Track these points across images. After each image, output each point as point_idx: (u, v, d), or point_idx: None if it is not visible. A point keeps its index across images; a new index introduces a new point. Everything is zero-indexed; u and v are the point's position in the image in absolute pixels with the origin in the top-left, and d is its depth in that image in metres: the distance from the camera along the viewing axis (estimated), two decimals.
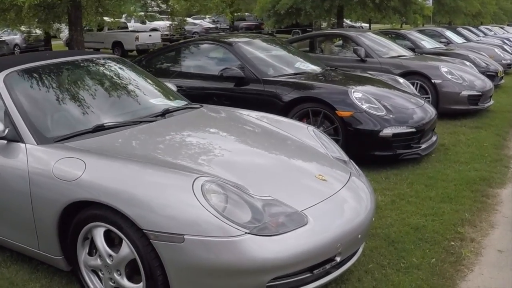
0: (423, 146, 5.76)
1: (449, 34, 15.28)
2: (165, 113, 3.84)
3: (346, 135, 5.44)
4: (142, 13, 18.72)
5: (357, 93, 5.57)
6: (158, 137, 3.44)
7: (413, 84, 8.26)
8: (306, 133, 3.90)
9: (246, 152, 3.46)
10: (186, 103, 4.27)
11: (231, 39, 6.77)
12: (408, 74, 8.40)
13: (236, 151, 3.43)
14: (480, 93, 8.34)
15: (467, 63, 9.50)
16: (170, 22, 32.41)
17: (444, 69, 8.27)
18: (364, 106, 5.46)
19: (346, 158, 3.74)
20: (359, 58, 8.76)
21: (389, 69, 8.54)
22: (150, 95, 4.22)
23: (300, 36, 10.33)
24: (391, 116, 5.50)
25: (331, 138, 5.46)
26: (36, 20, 13.51)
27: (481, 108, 8.50)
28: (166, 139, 3.45)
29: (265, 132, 3.85)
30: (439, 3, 24.33)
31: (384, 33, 13.51)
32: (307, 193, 3.01)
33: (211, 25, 38.95)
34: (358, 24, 39.48)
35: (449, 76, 8.20)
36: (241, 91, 6.15)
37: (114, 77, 4.19)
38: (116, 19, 17.46)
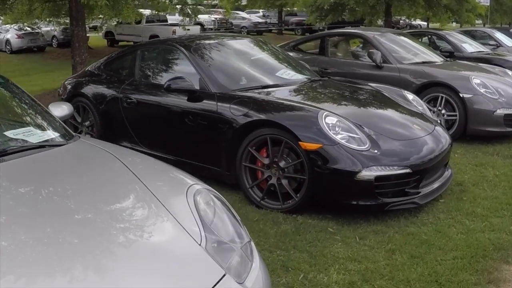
0: (425, 191, 4.17)
1: (500, 36, 13.19)
2: None
3: (312, 175, 3.95)
4: (179, 6, 17.67)
5: (330, 118, 4.03)
6: None
7: (436, 98, 6.62)
8: None
9: None
10: None
11: (191, 41, 5.35)
12: (431, 86, 6.74)
13: None
14: None
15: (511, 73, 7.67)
16: (215, 16, 31.60)
17: (476, 81, 6.53)
18: (339, 137, 3.93)
19: None
20: (374, 64, 7.15)
21: (408, 79, 6.89)
22: None
23: (309, 36, 8.73)
24: (376, 151, 3.95)
25: (296, 176, 4.11)
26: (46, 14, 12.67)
27: None
28: None
29: None
30: (497, 2, 21.85)
31: (419, 34, 11.76)
32: None
33: (260, 20, 37.50)
34: (416, 23, 37.00)
35: (482, 90, 6.45)
36: (189, 109, 4.76)
37: None
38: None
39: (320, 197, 4.04)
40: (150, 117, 5.26)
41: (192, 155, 4.86)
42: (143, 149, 5.36)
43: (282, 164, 4.14)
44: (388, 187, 3.98)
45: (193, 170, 4.96)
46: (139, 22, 23.02)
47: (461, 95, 6.44)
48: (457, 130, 6.53)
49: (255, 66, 5.39)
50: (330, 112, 4.13)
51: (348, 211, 4.07)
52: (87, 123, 6.00)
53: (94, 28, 23.68)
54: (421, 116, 4.88)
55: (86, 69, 6.46)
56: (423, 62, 7.32)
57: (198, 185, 2.55)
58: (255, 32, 34.91)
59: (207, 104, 4.62)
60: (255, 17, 38.63)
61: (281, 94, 4.66)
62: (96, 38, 24.31)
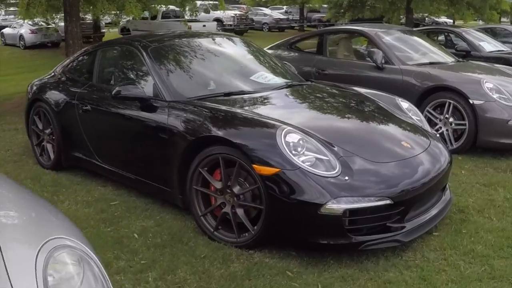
0: (412, 224, 3.35)
1: None
2: None
3: (270, 205, 3.17)
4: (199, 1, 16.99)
5: (293, 135, 3.24)
6: None
7: (443, 104, 5.75)
8: None
9: None
10: None
11: (152, 41, 4.59)
12: (437, 90, 5.84)
13: None
14: None
15: None
16: (235, 13, 30.85)
17: (488, 85, 5.62)
18: (302, 159, 3.13)
19: None
20: (374, 65, 6.30)
21: (411, 82, 6.02)
22: None
23: (307, 33, 7.84)
24: (347, 178, 3.14)
25: (252, 206, 3.35)
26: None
27: None
28: None
29: None
30: None
31: (435, 32, 10.81)
32: None
33: (281, 16, 36.54)
34: (442, 20, 35.48)
35: (495, 95, 5.54)
36: (141, 120, 4.04)
37: None
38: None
39: (279, 233, 3.27)
40: (105, 127, 4.57)
41: (146, 174, 4.15)
42: (100, 163, 4.67)
43: (236, 189, 3.37)
44: (363, 222, 3.17)
45: (149, 190, 4.29)
46: (154, 18, 22.50)
47: (471, 101, 5.54)
48: (466, 142, 5.64)
49: (228, 69, 4.62)
50: (294, 127, 3.33)
51: (317, 249, 3.29)
52: (47, 131, 5.34)
53: (114, 24, 23.24)
54: (415, 129, 4.03)
55: (54, 69, 5.78)
56: (430, 63, 6.41)
57: (62, 240, 1.81)
58: (276, 28, 34.02)
59: (159, 115, 3.88)
60: (277, 13, 37.69)
61: (244, 104, 3.88)
62: (112, 34, 23.84)
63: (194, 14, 18.78)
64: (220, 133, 3.36)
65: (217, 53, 4.77)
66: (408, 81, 6.04)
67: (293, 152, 3.14)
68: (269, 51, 7.64)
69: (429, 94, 5.88)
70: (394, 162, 3.37)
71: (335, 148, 3.29)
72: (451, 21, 32.12)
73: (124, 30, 23.43)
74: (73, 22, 9.94)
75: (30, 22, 20.17)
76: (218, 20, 28.54)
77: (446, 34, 10.67)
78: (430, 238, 3.58)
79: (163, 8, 23.05)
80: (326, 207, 3.00)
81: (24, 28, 20.96)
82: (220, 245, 3.47)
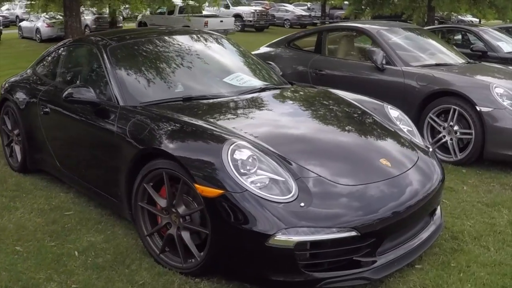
0: (385, 258, 2.78)
1: None
2: None
3: (215, 231, 2.66)
4: None
5: (242, 152, 2.70)
6: None
7: (447, 111, 5.15)
8: None
9: None
10: None
11: (113, 39, 4.08)
12: (442, 95, 5.22)
13: None
14: None
15: None
16: (255, 8, 30.26)
17: (498, 90, 4.98)
18: (251, 180, 2.60)
19: None
20: (374, 65, 5.70)
21: (413, 85, 5.41)
22: None
23: (306, 30, 7.24)
24: (302, 204, 2.59)
25: (196, 228, 2.84)
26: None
27: None
28: None
29: None
30: None
31: (451, 31, 10.12)
32: None
33: (303, 13, 35.75)
34: (468, 19, 34.20)
35: (506, 102, 4.89)
36: (93, 126, 3.57)
37: None
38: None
39: (225, 264, 2.75)
40: (63, 131, 4.13)
41: (99, 184, 3.70)
42: (61, 169, 4.24)
43: (181, 210, 2.87)
44: (324, 257, 2.63)
45: (102, 201, 3.83)
46: (171, 13, 22.10)
47: (478, 108, 4.91)
48: (472, 153, 5.02)
49: (198, 71, 4.09)
50: (248, 141, 2.80)
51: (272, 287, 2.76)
52: (16, 131, 4.93)
53: (129, 19, 22.99)
54: (402, 142, 3.44)
55: (29, 66, 5.36)
56: (437, 65, 5.77)
57: None
58: (298, 25, 33.27)
59: (109, 121, 3.40)
60: (299, 10, 36.96)
61: (201, 111, 3.36)
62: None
63: (217, 5, 18.16)
64: (162, 145, 2.86)
65: (189, 53, 4.24)
66: (410, 84, 5.43)
67: (241, 170, 2.62)
68: (267, 49, 7.11)
69: (433, 99, 5.26)
70: (365, 185, 2.80)
71: (293, 166, 2.75)
72: (477, 20, 30.91)
73: (141, 24, 23.10)
74: (72, 17, 9.58)
75: (47, 16, 20.00)
76: (238, 15, 28.03)
77: (463, 33, 9.94)
78: (410, 272, 3.01)
79: (180, 3, 22.70)
80: (275, 238, 2.48)
81: (40, 22, 20.78)
82: (165, 270, 2.98)
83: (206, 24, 21.13)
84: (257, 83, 4.13)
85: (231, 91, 3.82)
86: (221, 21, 21.95)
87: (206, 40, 4.56)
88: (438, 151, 5.25)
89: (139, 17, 23.03)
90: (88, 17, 22.53)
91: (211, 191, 2.59)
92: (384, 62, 5.64)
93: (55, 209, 4.03)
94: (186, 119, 3.09)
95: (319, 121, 3.51)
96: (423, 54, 6.14)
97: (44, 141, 4.38)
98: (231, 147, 2.68)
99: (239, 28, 26.74)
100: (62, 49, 4.59)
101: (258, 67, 4.44)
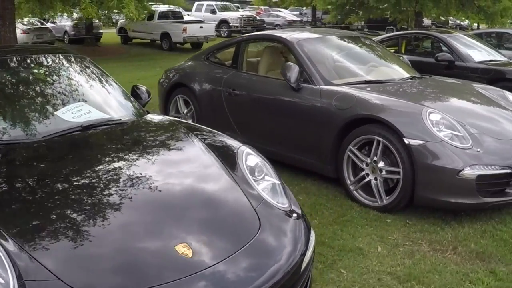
0: None
1: None
2: None
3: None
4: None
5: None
6: None
7: (370, 143, 3.97)
8: None
9: None
10: None
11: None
12: (364, 122, 4.02)
13: None
14: None
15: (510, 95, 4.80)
16: (241, 14, 29.11)
17: (433, 117, 3.70)
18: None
19: None
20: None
21: (331, 109, 4.21)
22: None
23: (224, 41, 5.99)
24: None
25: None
26: None
27: None
28: None
29: None
30: None
31: (417, 37, 8.94)
32: None
33: (295, 18, 34.50)
34: (465, 23, 32.76)
35: (443, 133, 3.63)
36: None
37: None
38: None
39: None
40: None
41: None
42: None
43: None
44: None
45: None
46: (151, 18, 20.96)
47: (406, 141, 3.69)
48: (400, 197, 3.81)
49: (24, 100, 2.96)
50: None
51: None
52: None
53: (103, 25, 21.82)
54: None
55: None
56: (367, 82, 4.55)
57: None
58: None
59: None
60: (291, 14, 35.78)
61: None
62: (109, 35, 22.54)
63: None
64: None
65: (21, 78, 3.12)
66: (326, 107, 4.24)
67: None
68: (187, 64, 5.95)
69: (354, 127, 4.07)
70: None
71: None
72: (476, 24, 29.45)
73: (122, 30, 21.98)
74: (6, 27, 8.42)
75: (25, 22, 18.83)
76: (224, 21, 26.90)
77: (432, 40, 8.73)
78: None
79: (159, 8, 21.53)
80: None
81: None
82: None
83: (184, 30, 19.98)
84: (99, 115, 3.01)
85: (54, 128, 2.72)
86: (201, 27, 20.73)
87: (53, 62, 3.44)
88: (361, 192, 4.07)
89: (119, 24, 21.92)
90: (67, 23, 21.51)
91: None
92: (300, 79, 4.46)
93: None
94: None
95: None
96: (357, 69, 4.94)
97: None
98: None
99: (225, 34, 25.62)
100: None
101: (117, 94, 3.29)
